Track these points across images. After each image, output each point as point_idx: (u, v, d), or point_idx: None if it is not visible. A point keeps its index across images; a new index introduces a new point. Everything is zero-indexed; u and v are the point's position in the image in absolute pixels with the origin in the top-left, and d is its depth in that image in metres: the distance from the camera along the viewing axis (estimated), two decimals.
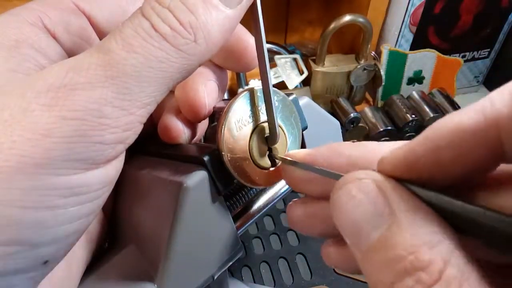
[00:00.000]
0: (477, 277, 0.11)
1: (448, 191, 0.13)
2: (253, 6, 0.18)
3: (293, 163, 0.19)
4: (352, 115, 0.64)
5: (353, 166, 0.16)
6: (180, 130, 0.23)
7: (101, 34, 0.21)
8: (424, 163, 0.13)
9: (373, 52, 0.70)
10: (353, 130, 0.66)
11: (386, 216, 0.13)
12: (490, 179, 0.14)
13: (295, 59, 0.69)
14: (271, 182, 0.23)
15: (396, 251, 0.12)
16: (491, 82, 0.82)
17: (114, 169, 0.17)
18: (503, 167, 0.13)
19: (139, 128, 0.17)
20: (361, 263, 0.13)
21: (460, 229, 0.12)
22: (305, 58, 0.72)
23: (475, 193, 0.14)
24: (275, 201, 0.26)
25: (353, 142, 0.18)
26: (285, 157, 0.20)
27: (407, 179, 0.14)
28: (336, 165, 0.17)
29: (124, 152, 0.18)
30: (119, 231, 0.24)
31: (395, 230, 0.12)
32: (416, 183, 0.13)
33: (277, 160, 0.22)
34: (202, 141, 0.27)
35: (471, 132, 0.12)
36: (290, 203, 0.20)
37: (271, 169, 0.22)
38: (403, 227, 0.12)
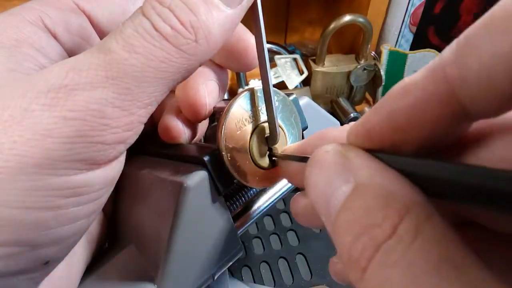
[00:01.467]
0: (439, 232, 0.10)
1: (426, 155, 0.12)
2: (253, 6, 0.18)
3: (288, 157, 0.19)
4: (352, 115, 0.64)
5: None
6: (180, 130, 0.23)
7: (101, 33, 0.21)
8: (381, 129, 0.13)
9: (373, 52, 0.70)
10: None
11: (350, 182, 0.13)
12: (473, 136, 0.13)
13: (295, 59, 0.69)
14: (271, 182, 0.23)
15: (356, 212, 0.12)
16: None
17: (115, 169, 0.17)
18: (487, 122, 0.13)
19: (139, 128, 0.17)
20: (332, 236, 0.13)
21: (436, 193, 0.12)
22: (305, 58, 0.72)
23: (459, 154, 0.13)
24: (275, 201, 0.26)
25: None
26: (281, 154, 0.20)
27: (379, 149, 0.13)
28: None
29: (125, 152, 0.18)
30: (119, 231, 0.24)
31: (357, 194, 0.12)
32: (388, 152, 0.13)
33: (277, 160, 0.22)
34: (202, 141, 0.27)
35: (420, 88, 0.12)
36: (294, 196, 0.20)
37: (271, 169, 0.22)
38: (364, 190, 0.12)
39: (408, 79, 0.12)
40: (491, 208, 0.10)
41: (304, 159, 0.18)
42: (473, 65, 0.10)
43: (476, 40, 0.10)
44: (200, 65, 0.17)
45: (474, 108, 0.11)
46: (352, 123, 0.16)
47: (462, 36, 0.11)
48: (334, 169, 0.13)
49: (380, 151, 0.13)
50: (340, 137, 0.16)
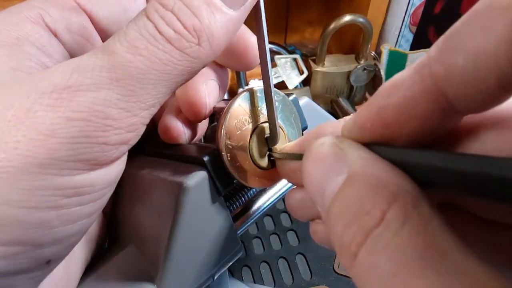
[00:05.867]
0: (426, 220, 0.11)
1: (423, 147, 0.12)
2: (256, 7, 0.18)
3: (286, 156, 0.19)
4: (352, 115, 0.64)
5: None
6: (180, 131, 0.23)
7: (102, 32, 0.21)
8: (372, 125, 0.13)
9: (373, 52, 0.70)
10: None
11: (344, 172, 0.13)
12: (465, 128, 0.13)
13: (295, 59, 0.69)
14: (271, 183, 0.23)
15: (348, 201, 0.12)
16: None
17: (116, 169, 0.17)
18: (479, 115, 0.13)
19: (142, 129, 0.17)
20: (326, 226, 0.13)
21: (427, 182, 0.12)
22: (305, 58, 0.72)
23: (452, 147, 0.13)
24: (275, 201, 0.26)
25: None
26: (279, 152, 0.20)
27: (375, 142, 0.13)
28: None
29: (127, 153, 0.18)
30: (119, 231, 0.24)
31: (349, 184, 0.12)
32: (381, 144, 0.13)
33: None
34: (202, 141, 0.27)
35: (407, 86, 0.12)
36: (289, 190, 0.20)
37: (271, 169, 0.22)
38: (356, 180, 0.12)
39: (396, 76, 0.12)
40: (478, 194, 0.10)
41: (302, 157, 0.18)
42: (457, 62, 0.11)
43: (460, 37, 0.11)
44: (203, 67, 0.17)
45: (460, 104, 0.11)
46: (347, 116, 0.16)
47: (447, 33, 0.11)
48: (329, 161, 0.14)
49: (373, 144, 0.13)
50: (337, 132, 0.17)
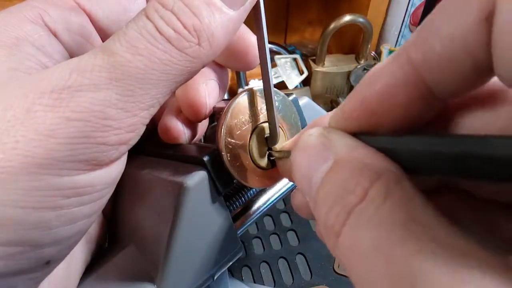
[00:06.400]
0: (408, 195, 0.11)
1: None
2: (256, 7, 0.18)
3: (285, 154, 0.19)
4: None
5: None
6: (180, 131, 0.23)
7: (101, 32, 0.21)
8: (357, 115, 0.13)
9: (373, 52, 0.70)
10: None
11: (330, 159, 0.13)
12: (456, 107, 0.13)
13: (295, 59, 0.69)
14: (271, 182, 0.23)
15: (333, 184, 0.12)
16: None
17: (116, 169, 0.17)
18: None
19: (142, 129, 0.17)
20: (314, 214, 0.13)
21: (418, 168, 0.12)
22: (305, 58, 0.72)
23: (444, 126, 0.13)
24: (275, 201, 0.26)
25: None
26: (278, 151, 0.21)
27: (361, 131, 0.14)
28: None
29: (127, 153, 0.18)
30: (119, 231, 0.24)
31: (335, 169, 0.13)
32: (367, 133, 0.13)
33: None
34: (202, 141, 0.27)
35: (387, 74, 0.12)
36: (294, 190, 0.20)
37: (271, 169, 0.22)
38: (341, 165, 0.12)
39: (378, 64, 0.13)
40: (461, 175, 0.11)
41: None
42: (434, 48, 0.11)
43: (435, 23, 0.11)
44: (202, 67, 0.17)
45: (439, 90, 0.11)
46: (335, 109, 0.16)
47: (424, 20, 0.11)
48: (316, 150, 0.14)
49: (359, 133, 0.14)
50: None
